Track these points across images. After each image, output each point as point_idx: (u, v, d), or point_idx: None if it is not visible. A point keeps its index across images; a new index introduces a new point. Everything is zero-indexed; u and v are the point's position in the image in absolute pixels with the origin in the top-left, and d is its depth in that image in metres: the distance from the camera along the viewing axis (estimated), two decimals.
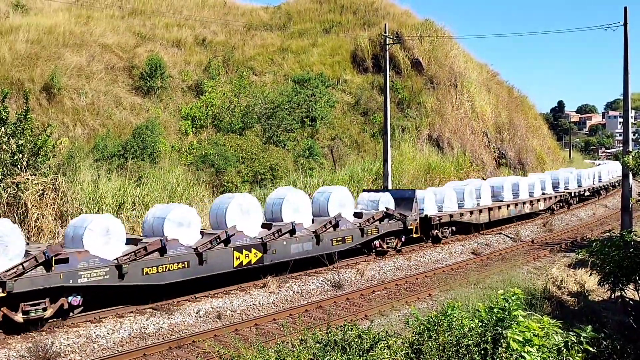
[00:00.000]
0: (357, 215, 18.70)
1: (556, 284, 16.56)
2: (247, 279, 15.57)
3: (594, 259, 12.68)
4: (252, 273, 15.64)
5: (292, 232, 15.91)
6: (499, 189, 27.61)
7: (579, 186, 37.16)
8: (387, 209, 19.09)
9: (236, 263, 14.63)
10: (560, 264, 19.65)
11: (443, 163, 34.74)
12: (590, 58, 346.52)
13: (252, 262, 15.04)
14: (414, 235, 20.32)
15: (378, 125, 34.42)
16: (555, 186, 33.60)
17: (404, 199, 20.52)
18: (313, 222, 17.46)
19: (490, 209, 25.21)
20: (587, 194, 38.15)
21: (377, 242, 19.04)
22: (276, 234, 15.45)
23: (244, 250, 14.83)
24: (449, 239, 22.77)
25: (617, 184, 47.79)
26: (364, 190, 22.88)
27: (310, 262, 17.10)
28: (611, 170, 49.26)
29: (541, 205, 30.16)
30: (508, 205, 26.88)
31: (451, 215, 22.51)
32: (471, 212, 23.84)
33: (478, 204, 25.08)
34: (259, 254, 15.18)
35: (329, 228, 17.10)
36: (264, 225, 15.98)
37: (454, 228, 23.09)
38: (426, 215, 21.36)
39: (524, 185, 29.34)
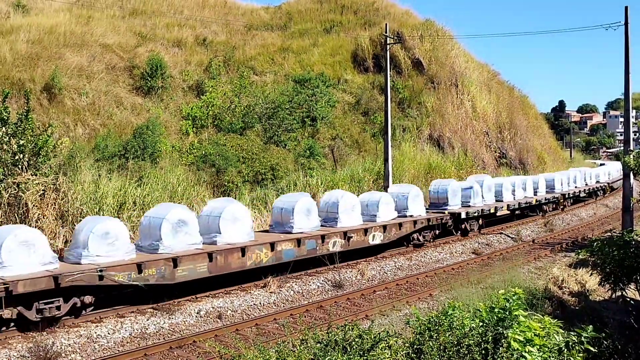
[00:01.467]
0: None
1: (557, 283, 16.60)
2: None
3: (594, 259, 12.70)
4: None
5: None
6: (332, 206, 17.97)
7: (514, 199, 27.72)
8: None
9: None
10: (561, 263, 19.67)
11: (444, 163, 34.71)
12: (591, 58, 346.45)
13: None
14: None
15: (379, 125, 34.39)
16: (442, 203, 23.21)
17: None
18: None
19: (243, 248, 14.78)
20: (505, 211, 26.58)
21: None
22: None
23: None
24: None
25: (591, 192, 38.09)
26: None
27: None
28: (583, 176, 38.26)
29: (392, 233, 19.18)
30: (299, 241, 16.17)
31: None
32: (171, 261, 13.18)
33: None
34: None
35: None
36: None
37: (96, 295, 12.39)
38: None
39: (352, 202, 18.73)
